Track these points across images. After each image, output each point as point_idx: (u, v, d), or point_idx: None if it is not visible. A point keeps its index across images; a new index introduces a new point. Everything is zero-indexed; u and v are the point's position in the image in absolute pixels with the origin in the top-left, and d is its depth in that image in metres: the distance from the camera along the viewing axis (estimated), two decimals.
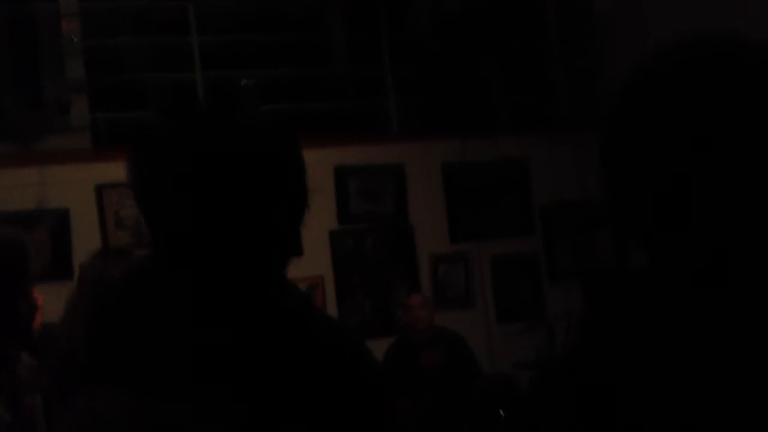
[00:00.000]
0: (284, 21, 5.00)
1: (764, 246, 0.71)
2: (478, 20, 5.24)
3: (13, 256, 1.63)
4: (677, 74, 0.71)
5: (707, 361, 0.72)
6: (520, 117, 5.35)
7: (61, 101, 4.38)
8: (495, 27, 5.28)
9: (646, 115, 0.72)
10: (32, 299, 1.69)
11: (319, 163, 4.64)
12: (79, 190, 4.16)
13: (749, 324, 0.72)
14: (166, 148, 0.95)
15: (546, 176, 5.06)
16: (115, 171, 1.27)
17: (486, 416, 3.86)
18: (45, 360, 1.76)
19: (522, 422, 0.83)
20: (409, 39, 5.20)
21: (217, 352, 0.88)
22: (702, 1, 4.28)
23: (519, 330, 4.32)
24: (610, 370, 0.76)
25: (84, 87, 4.50)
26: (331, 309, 4.62)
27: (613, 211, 0.78)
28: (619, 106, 0.76)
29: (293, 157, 1.00)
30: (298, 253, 0.99)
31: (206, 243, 0.93)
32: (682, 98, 0.70)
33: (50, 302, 1.92)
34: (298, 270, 1.02)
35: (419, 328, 4.29)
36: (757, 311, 0.72)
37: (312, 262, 4.39)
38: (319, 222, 4.50)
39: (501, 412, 3.83)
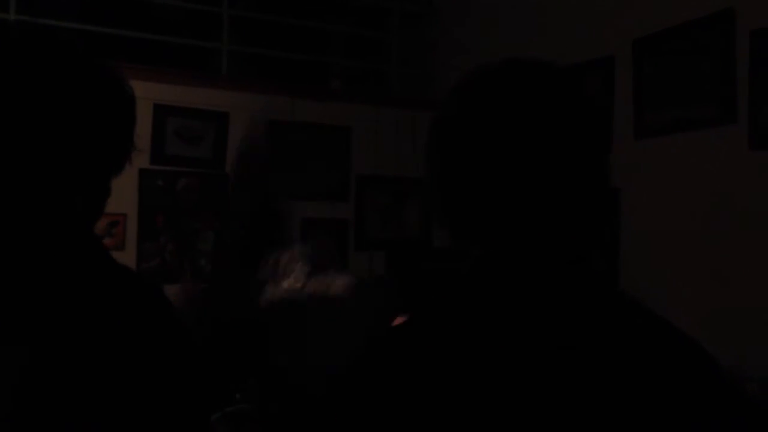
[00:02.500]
0: None
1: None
2: None
3: None
4: (490, 91, 0.85)
5: (494, 339, 0.79)
6: (351, 85, 5.41)
7: None
8: None
9: (466, 120, 0.85)
10: None
11: (138, 97, 4.43)
12: None
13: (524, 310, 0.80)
14: None
15: (367, 147, 5.16)
16: None
17: (273, 372, 3.90)
18: None
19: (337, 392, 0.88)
20: None
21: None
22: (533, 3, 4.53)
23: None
24: (415, 342, 0.82)
25: None
26: (131, 249, 4.45)
27: (435, 192, 0.86)
28: (446, 112, 0.88)
29: (100, 92, 0.92)
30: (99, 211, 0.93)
31: None
32: (492, 110, 0.83)
33: None
34: None
35: None
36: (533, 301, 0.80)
37: (117, 199, 4.18)
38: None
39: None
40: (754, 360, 3.00)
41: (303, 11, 5.19)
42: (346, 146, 5.16)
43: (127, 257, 4.41)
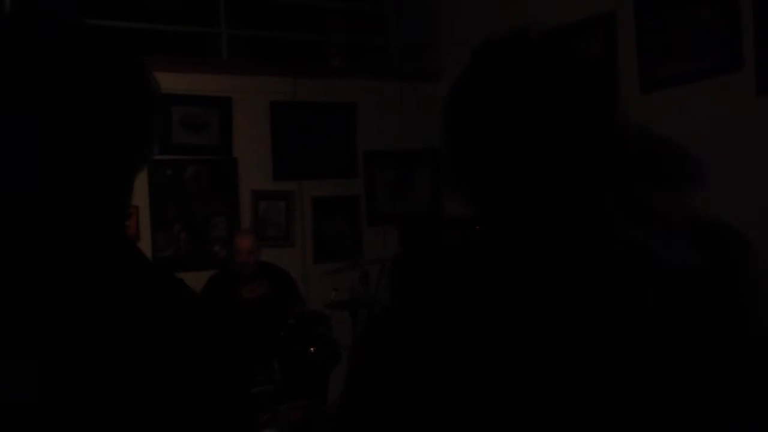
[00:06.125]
0: None
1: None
2: None
3: None
4: (497, 67, 0.88)
5: (502, 299, 0.81)
6: (352, 61, 5.38)
7: None
8: None
9: (476, 96, 0.88)
10: None
11: None
12: None
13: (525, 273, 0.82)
14: None
15: (372, 122, 5.15)
16: None
17: (296, 353, 3.93)
18: None
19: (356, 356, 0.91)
20: None
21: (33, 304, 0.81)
22: None
23: (335, 269, 4.41)
24: (420, 303, 0.84)
25: None
26: (145, 240, 4.48)
27: (452, 168, 0.89)
28: (457, 89, 0.90)
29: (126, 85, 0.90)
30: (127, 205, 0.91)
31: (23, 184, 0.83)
32: (499, 86, 0.86)
33: None
34: None
35: (245, 273, 4.26)
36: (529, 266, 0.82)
37: None
38: None
39: (311, 349, 3.92)
40: None
41: None
42: (351, 123, 5.15)
43: (142, 248, 4.43)
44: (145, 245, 4.45)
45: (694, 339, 0.79)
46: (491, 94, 0.86)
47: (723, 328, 0.81)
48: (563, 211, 0.85)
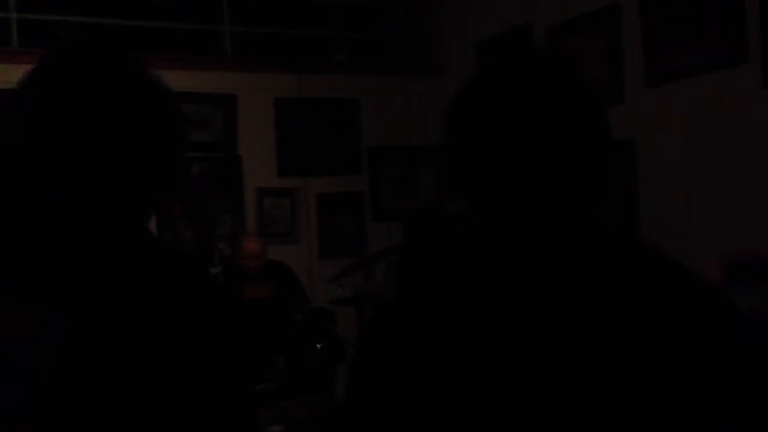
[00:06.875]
0: None
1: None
2: None
3: None
4: (497, 81, 0.92)
5: (507, 294, 0.83)
6: (355, 57, 5.37)
7: None
8: None
9: (478, 104, 0.92)
10: None
11: None
12: None
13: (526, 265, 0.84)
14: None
15: (376, 118, 5.14)
16: None
17: (302, 349, 3.93)
18: None
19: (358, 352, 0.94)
20: None
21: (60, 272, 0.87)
22: None
23: (341, 270, 4.40)
24: (423, 298, 0.85)
25: None
26: None
27: (452, 167, 0.93)
28: (461, 96, 0.93)
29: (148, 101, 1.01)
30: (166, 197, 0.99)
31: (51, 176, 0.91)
32: (499, 96, 0.90)
33: None
34: None
35: (251, 276, 4.25)
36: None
37: None
38: None
39: (318, 345, 3.92)
40: None
41: None
42: (355, 118, 5.14)
43: None
44: None
45: (691, 342, 0.80)
46: (495, 105, 0.89)
47: (716, 331, 0.82)
48: (562, 216, 0.86)
